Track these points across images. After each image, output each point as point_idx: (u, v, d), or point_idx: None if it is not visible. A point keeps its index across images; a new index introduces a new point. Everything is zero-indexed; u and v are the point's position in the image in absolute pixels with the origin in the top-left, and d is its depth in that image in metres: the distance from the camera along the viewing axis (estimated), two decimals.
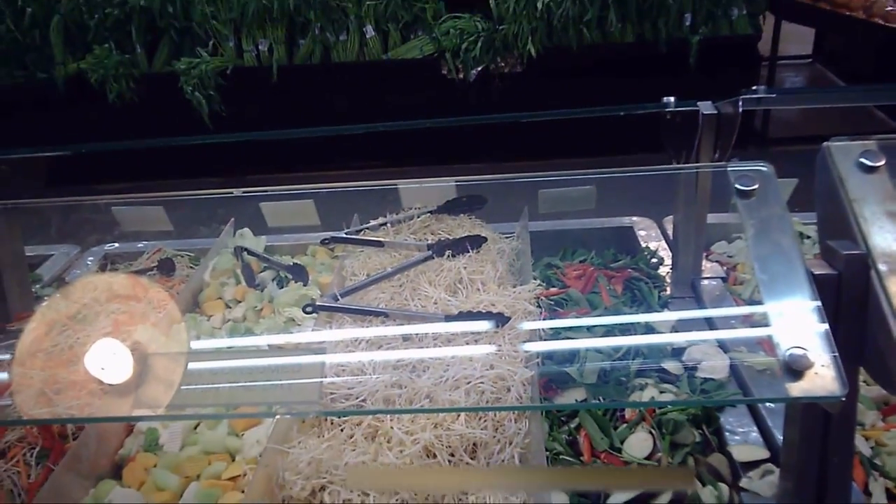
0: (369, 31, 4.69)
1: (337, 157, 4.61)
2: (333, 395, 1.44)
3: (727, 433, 1.39)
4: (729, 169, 1.24)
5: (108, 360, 1.41)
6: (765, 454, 1.34)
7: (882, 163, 1.20)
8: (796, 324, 1.04)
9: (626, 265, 1.91)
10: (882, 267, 1.07)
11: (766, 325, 1.06)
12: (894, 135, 1.36)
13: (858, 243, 1.11)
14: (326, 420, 1.45)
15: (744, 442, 1.37)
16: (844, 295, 1.09)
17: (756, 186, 1.21)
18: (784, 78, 5.59)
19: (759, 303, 1.12)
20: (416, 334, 1.59)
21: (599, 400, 1.48)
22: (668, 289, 1.83)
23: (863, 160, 1.20)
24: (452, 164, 4.34)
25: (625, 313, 1.70)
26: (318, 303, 1.70)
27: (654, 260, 1.95)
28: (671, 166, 1.69)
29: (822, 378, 0.99)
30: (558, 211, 1.97)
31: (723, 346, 1.56)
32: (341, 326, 1.64)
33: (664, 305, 1.75)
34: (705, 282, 1.82)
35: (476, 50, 4.55)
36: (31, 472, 1.43)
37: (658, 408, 1.43)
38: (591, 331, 1.62)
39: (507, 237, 2.00)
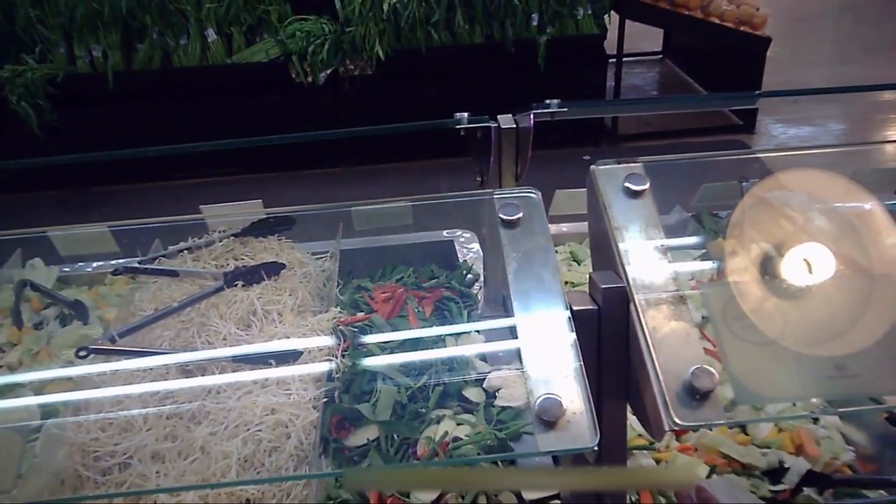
0: (211, 34, 4.48)
1: (183, 167, 4.42)
2: (97, 453, 1.31)
3: (521, 467, 1.33)
4: (494, 196, 1.18)
5: None
6: (553, 490, 1.28)
7: (646, 186, 1.16)
8: (551, 367, 0.98)
9: (440, 284, 1.83)
10: (640, 299, 1.03)
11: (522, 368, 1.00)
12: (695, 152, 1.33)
13: (620, 274, 1.07)
14: (89, 480, 1.30)
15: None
16: (605, 330, 1.04)
17: (520, 215, 1.15)
18: (635, 74, 5.71)
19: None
20: (198, 377, 1.47)
21: (394, 437, 1.39)
22: (480, 308, 1.76)
23: (627, 185, 1.16)
24: (293, 170, 4.22)
25: (429, 338, 1.62)
26: (94, 345, 1.54)
27: (470, 276, 1.88)
28: (447, 194, 1.62)
29: (575, 426, 0.93)
30: (375, 227, 1.89)
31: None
32: (116, 371, 1.50)
33: (472, 326, 1.68)
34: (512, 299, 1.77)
35: (323, 53, 4.42)
36: None
37: (453, 441, 1.36)
38: (388, 360, 1.53)
39: (320, 257, 1.90)
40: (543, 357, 1.01)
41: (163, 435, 1.32)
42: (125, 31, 4.49)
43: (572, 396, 0.95)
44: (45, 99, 4.34)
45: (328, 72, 4.47)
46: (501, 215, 1.16)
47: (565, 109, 1.59)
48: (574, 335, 1.01)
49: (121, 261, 1.92)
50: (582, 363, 0.98)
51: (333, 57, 4.45)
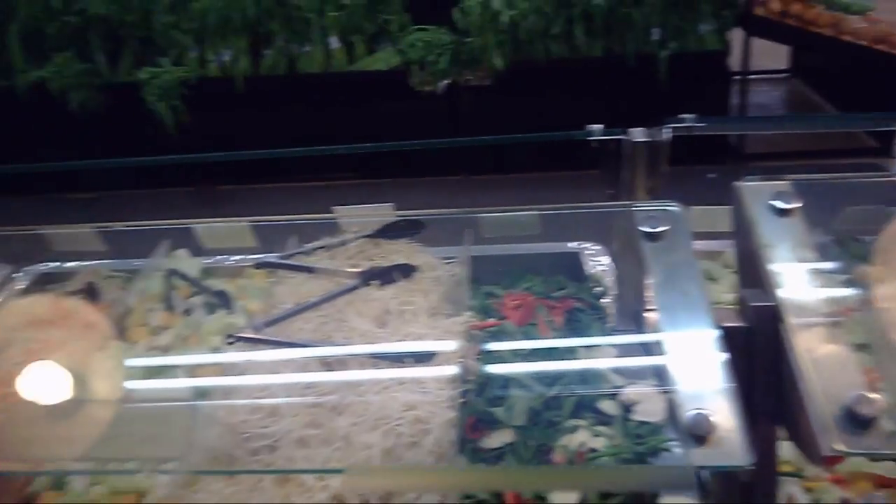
0: (334, 42, 4.63)
1: (306, 169, 4.56)
2: (247, 435, 1.39)
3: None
4: (634, 209, 1.20)
5: (23, 393, 1.36)
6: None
7: (796, 205, 1.16)
8: (700, 382, 0.99)
9: (570, 294, 1.85)
10: (792, 320, 1.03)
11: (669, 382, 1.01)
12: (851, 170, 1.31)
13: (769, 293, 1.07)
14: (239, 459, 1.38)
15: (677, 492, 1.31)
16: (756, 350, 1.04)
17: (663, 228, 1.16)
18: (761, 92, 5.54)
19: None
20: (338, 370, 1.54)
21: (526, 443, 1.42)
22: (611, 321, 1.77)
23: (775, 203, 1.15)
24: (414, 177, 4.30)
25: (561, 348, 1.64)
26: (240, 333, 1.64)
27: (600, 289, 1.89)
28: (578, 205, 1.63)
29: (728, 444, 0.94)
30: (503, 235, 1.93)
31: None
32: (261, 359, 1.58)
33: (606, 339, 1.69)
34: (650, 314, 1.77)
35: (442, 62, 4.50)
36: None
37: (589, 451, 1.38)
38: (522, 366, 1.56)
39: (449, 262, 1.95)
40: (691, 372, 1.02)
41: (308, 422, 1.39)
42: (253, 37, 4.69)
43: (723, 413, 0.95)
44: (179, 100, 4.57)
45: (447, 81, 4.55)
46: (643, 228, 1.17)
47: (703, 125, 1.58)
48: (724, 352, 1.01)
49: (258, 256, 2.03)
50: (733, 381, 0.98)
51: (452, 67, 4.53)
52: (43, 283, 2.11)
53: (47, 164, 2.14)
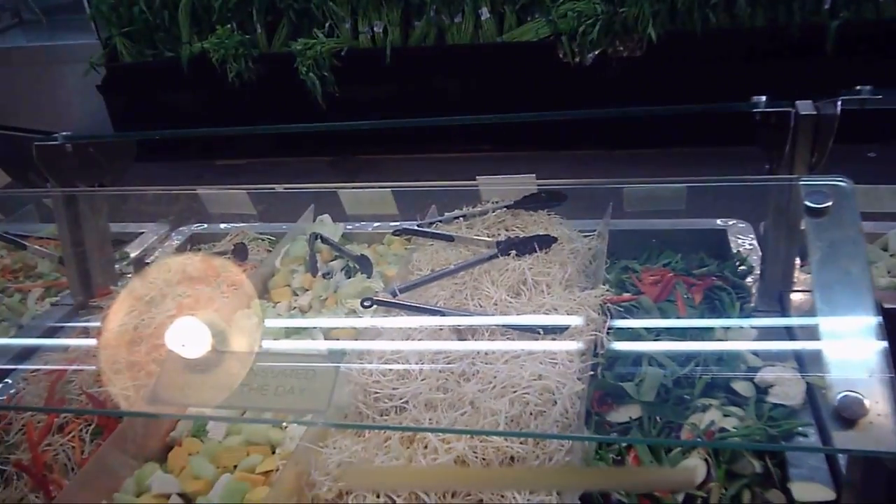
0: (484, 13, 4.61)
1: (446, 140, 4.59)
2: (377, 395, 1.41)
3: (792, 467, 1.26)
4: (801, 183, 1.12)
5: (174, 344, 1.44)
6: (829, 495, 1.19)
7: None
8: (855, 364, 0.92)
9: (711, 272, 1.77)
10: None
11: (822, 361, 0.95)
12: None
13: None
14: (368, 418, 1.41)
15: (809, 479, 1.23)
16: None
17: (829, 204, 1.08)
18: None
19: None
20: (469, 337, 1.54)
21: (656, 419, 1.38)
22: (754, 301, 1.69)
23: None
24: (553, 150, 4.23)
25: (698, 326, 1.57)
26: (377, 297, 1.67)
27: (744, 268, 1.80)
28: (735, 178, 1.54)
29: (878, 429, 0.87)
30: (645, 210, 1.86)
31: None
32: (396, 323, 1.61)
33: (745, 320, 1.61)
34: (795, 296, 1.67)
35: (594, 33, 4.39)
36: (85, 449, 1.47)
37: (719, 431, 1.32)
38: (655, 343, 1.51)
39: (587, 235, 1.91)
40: (846, 353, 0.95)
41: (436, 386, 1.40)
42: (405, 8, 4.74)
43: (877, 397, 0.88)
44: (329, 71, 4.69)
45: (596, 52, 4.44)
46: (808, 202, 1.09)
47: (879, 97, 1.46)
48: (884, 335, 0.93)
49: (398, 223, 2.06)
50: (891, 365, 0.90)
51: (604, 37, 4.40)
52: (195, 243, 2.24)
53: (199, 129, 2.26)
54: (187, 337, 1.45)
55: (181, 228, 2.30)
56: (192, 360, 1.38)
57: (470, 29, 4.67)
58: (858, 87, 1.46)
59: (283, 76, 4.69)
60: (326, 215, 2.20)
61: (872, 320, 0.95)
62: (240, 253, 2.06)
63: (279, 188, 2.02)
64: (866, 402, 0.87)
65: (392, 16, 4.73)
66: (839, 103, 1.44)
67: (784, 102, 1.53)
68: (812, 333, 1.02)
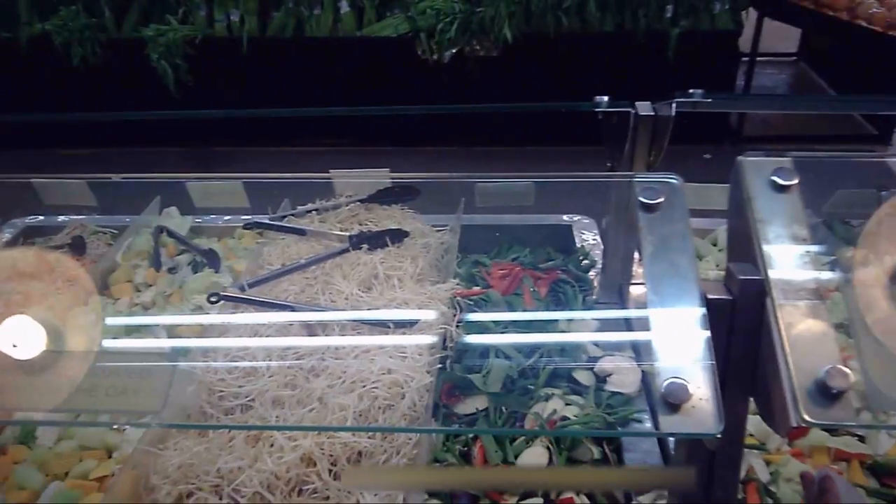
0: (344, 6, 4.58)
1: (304, 133, 4.53)
2: (222, 393, 1.37)
3: (627, 452, 1.32)
4: (635, 180, 1.17)
5: (2, 344, 1.34)
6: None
7: (794, 182, 1.13)
8: (680, 352, 0.97)
9: (557, 266, 1.83)
10: (777, 295, 1.00)
11: (652, 350, 0.99)
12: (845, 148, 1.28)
13: (758, 267, 1.04)
14: (213, 417, 1.37)
15: (642, 461, 1.30)
16: (738, 322, 1.02)
17: (661, 200, 1.13)
18: (766, 74, 5.49)
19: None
20: (320, 332, 1.52)
21: (502, 410, 1.41)
22: (595, 293, 1.76)
23: (775, 178, 1.12)
24: (411, 146, 4.26)
25: (543, 318, 1.62)
26: (224, 292, 1.62)
27: (587, 262, 1.87)
28: (578, 174, 1.60)
29: (699, 412, 0.92)
30: (496, 205, 1.90)
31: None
32: (244, 319, 1.57)
33: (586, 312, 1.67)
34: (634, 288, 1.75)
35: (452, 31, 4.44)
36: None
37: (561, 419, 1.36)
38: (502, 336, 1.55)
39: (440, 230, 1.93)
40: (674, 342, 1.00)
41: (283, 383, 1.38)
42: None
43: (699, 383, 0.94)
44: (182, 59, 4.52)
45: (454, 51, 4.50)
46: (641, 198, 1.14)
47: (709, 100, 1.55)
48: (707, 324, 0.99)
49: (249, 217, 2.01)
50: (713, 352, 0.96)
51: (461, 36, 4.47)
52: (29, 236, 2.10)
53: (42, 115, 2.11)
54: (17, 337, 1.36)
55: (13, 221, 2.15)
56: (23, 362, 1.29)
57: (329, 21, 4.63)
58: (691, 91, 1.55)
59: (133, 63, 4.48)
60: (173, 207, 2.12)
61: (698, 311, 1.01)
62: (77, 247, 1.94)
63: (118, 178, 1.92)
64: (690, 388, 0.93)
65: (249, 4, 4.62)
66: (674, 105, 1.52)
67: (624, 103, 1.60)
68: (644, 324, 1.07)
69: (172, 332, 1.62)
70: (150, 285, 1.80)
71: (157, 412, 1.21)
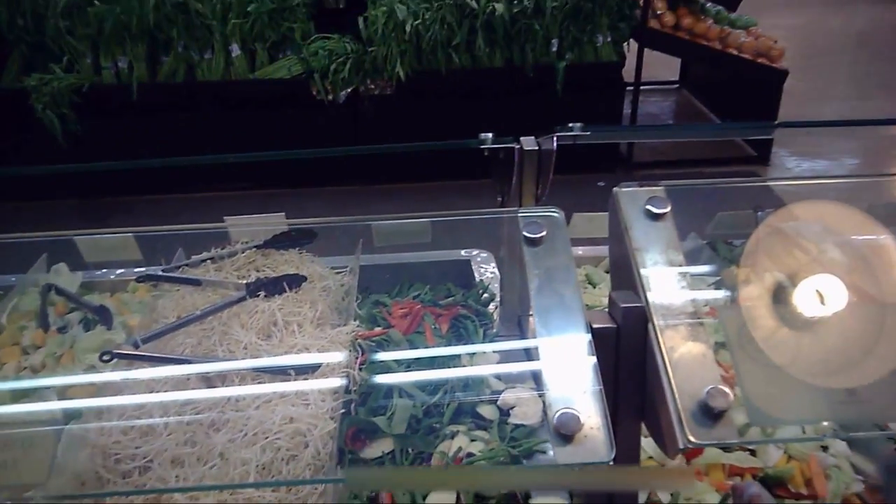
0: (235, 49, 4.55)
1: (202, 179, 4.46)
2: (118, 456, 1.33)
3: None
4: (519, 214, 1.21)
5: None
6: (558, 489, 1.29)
7: (667, 210, 1.19)
8: (570, 382, 1.00)
9: (457, 301, 1.85)
10: (658, 320, 1.05)
11: (543, 381, 1.02)
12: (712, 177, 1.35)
13: (639, 294, 1.09)
14: (109, 482, 1.33)
15: (549, 494, 1.33)
16: (624, 349, 1.07)
17: (543, 234, 1.18)
18: (651, 102, 5.74)
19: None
20: (220, 385, 1.49)
21: (408, 451, 1.42)
22: (496, 327, 1.79)
23: (649, 207, 1.18)
24: (309, 186, 4.26)
25: (445, 355, 1.64)
26: (117, 350, 1.57)
27: (486, 295, 1.91)
28: (469, 211, 1.64)
29: (592, 441, 0.96)
30: (394, 244, 1.92)
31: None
32: (137, 376, 1.53)
33: (487, 345, 1.70)
34: (532, 319, 1.79)
35: (345, 71, 4.48)
36: None
37: (466, 456, 1.38)
38: (406, 375, 1.55)
39: (339, 272, 1.93)
40: (563, 373, 1.03)
41: (183, 440, 1.35)
42: (151, 43, 4.57)
43: (590, 412, 0.97)
44: (69, 108, 4.40)
45: (349, 90, 4.53)
46: (525, 233, 1.18)
47: (588, 133, 1.61)
48: (594, 353, 1.03)
49: (143, 269, 1.96)
50: (600, 381, 1.00)
51: (355, 76, 4.51)
52: None
53: None
54: None
55: None
56: None
57: (221, 65, 4.59)
58: (571, 125, 1.61)
59: (17, 113, 4.32)
60: (62, 264, 2.04)
61: (584, 340, 1.04)
62: None
63: (7, 237, 1.85)
64: (581, 417, 0.96)
65: (137, 51, 4.54)
66: (555, 139, 1.58)
67: (509, 139, 1.65)
68: (537, 355, 1.10)
69: (63, 394, 1.56)
70: (39, 347, 1.74)
71: (41, 483, 1.16)
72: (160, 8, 4.40)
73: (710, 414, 0.94)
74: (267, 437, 1.32)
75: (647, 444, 1.30)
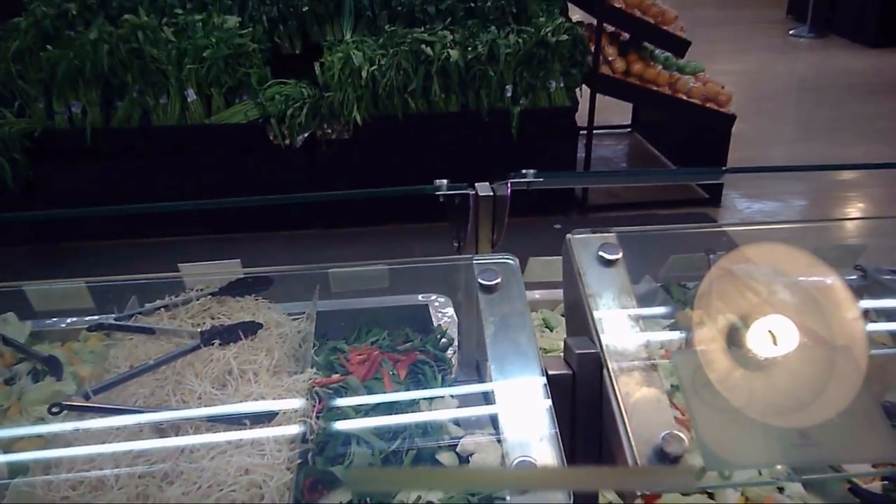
0: (191, 94, 4.54)
1: (157, 225, 4.41)
2: None
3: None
4: (474, 262, 1.22)
5: None
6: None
7: (619, 256, 1.21)
8: (527, 430, 1.01)
9: (415, 347, 1.85)
10: (613, 365, 1.06)
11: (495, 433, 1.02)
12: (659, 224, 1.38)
13: (594, 340, 1.10)
14: None
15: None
16: (579, 395, 1.07)
17: (498, 281, 1.19)
18: (605, 146, 5.86)
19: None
20: (172, 436, 1.47)
21: (366, 501, 1.40)
22: (454, 372, 1.79)
23: (601, 254, 1.20)
24: (266, 231, 4.25)
25: (403, 401, 1.63)
26: (67, 401, 1.54)
27: (444, 340, 1.91)
28: (425, 259, 1.65)
29: (549, 489, 0.95)
30: (352, 290, 1.92)
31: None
32: (89, 428, 1.49)
33: (445, 390, 1.69)
34: (488, 364, 1.79)
35: (302, 116, 4.50)
36: None
37: None
38: (363, 422, 1.54)
39: (296, 318, 1.91)
40: (519, 421, 1.04)
41: (134, 494, 1.32)
42: (105, 88, 4.54)
43: (547, 459, 0.97)
44: (21, 153, 4.34)
45: (306, 135, 4.54)
46: (480, 280, 1.19)
47: (541, 180, 1.64)
48: (549, 400, 1.04)
49: (96, 317, 1.93)
50: (556, 427, 1.00)
51: (311, 120, 4.53)
52: None
53: None
54: None
55: None
56: None
57: (177, 110, 4.58)
58: (524, 171, 1.64)
59: None
60: (10, 313, 2.00)
61: (539, 386, 1.05)
62: None
63: None
64: (537, 465, 0.96)
65: (91, 95, 4.51)
66: (509, 185, 1.60)
67: (464, 184, 1.68)
68: (494, 401, 1.11)
69: (9, 448, 1.52)
70: None
71: None
72: (114, 53, 4.39)
73: (666, 459, 0.95)
74: (222, 490, 1.30)
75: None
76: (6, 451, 1.51)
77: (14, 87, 4.45)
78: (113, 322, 1.84)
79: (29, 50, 4.41)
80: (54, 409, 1.53)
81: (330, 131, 4.60)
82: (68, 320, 2.04)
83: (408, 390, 1.66)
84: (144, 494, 1.32)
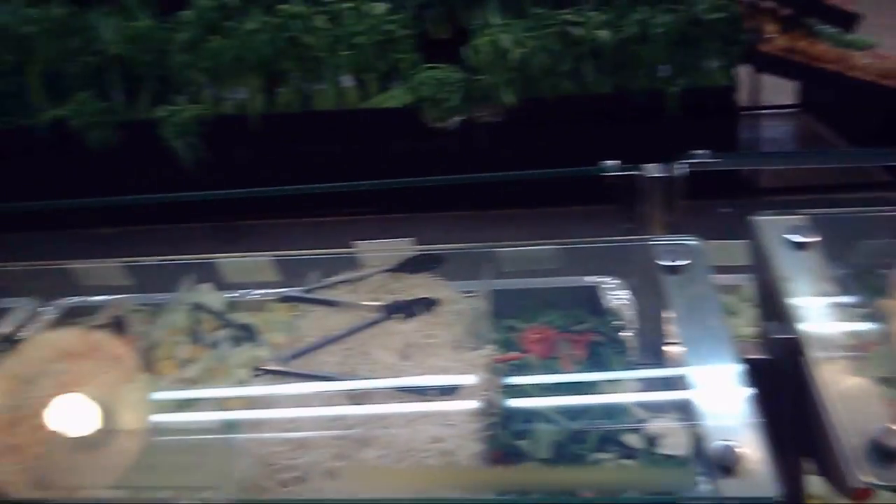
0: (346, 80, 4.71)
1: (324, 205, 4.60)
2: (275, 466, 1.41)
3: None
4: (651, 243, 1.22)
5: (57, 423, 1.39)
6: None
7: (813, 239, 1.18)
8: (725, 414, 1.01)
9: (590, 328, 1.87)
10: (814, 353, 1.05)
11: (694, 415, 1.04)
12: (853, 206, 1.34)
13: (790, 325, 1.09)
14: (269, 491, 1.40)
15: None
16: (778, 381, 1.07)
17: (682, 262, 1.19)
18: (771, 127, 5.59)
19: None
20: (363, 403, 1.56)
21: None
22: (632, 354, 1.79)
23: (792, 236, 1.18)
24: (427, 212, 4.34)
25: (584, 381, 1.66)
26: (267, 366, 1.67)
27: (619, 322, 1.91)
28: (597, 239, 1.66)
29: (754, 475, 0.95)
30: (522, 270, 1.97)
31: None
32: (288, 391, 1.61)
33: (628, 372, 1.70)
34: (672, 348, 1.78)
35: (454, 99, 4.57)
36: None
37: None
38: (546, 400, 1.58)
39: (469, 296, 1.97)
40: (717, 405, 1.04)
41: (335, 454, 1.41)
42: (267, 75, 4.78)
43: (750, 445, 0.97)
44: (196, 137, 4.64)
45: (458, 118, 4.61)
46: (661, 262, 1.20)
47: (718, 160, 1.62)
48: (749, 385, 1.04)
49: (281, 290, 2.06)
50: (759, 413, 1.00)
51: (463, 104, 4.59)
52: (70, 317, 2.15)
53: (71, 200, 2.19)
54: (71, 416, 1.41)
55: (54, 302, 2.21)
56: (79, 440, 1.34)
57: (333, 96, 4.76)
58: (699, 152, 1.62)
59: (148, 142, 4.58)
60: (207, 284, 2.17)
61: (737, 370, 1.05)
62: (119, 326, 2.00)
63: (153, 260, 2.00)
64: (740, 449, 0.96)
65: (254, 83, 4.75)
66: (682, 166, 1.59)
67: (631, 166, 1.68)
68: (687, 385, 1.12)
69: (220, 407, 1.66)
70: (193, 361, 1.85)
71: (219, 487, 1.24)
72: (273, 41, 4.61)
73: (884, 453, 0.92)
74: (415, 456, 1.38)
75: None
76: (219, 408, 1.65)
77: (185, 76, 4.76)
78: (302, 295, 1.97)
79: (195, 41, 4.70)
80: (256, 373, 1.66)
81: (482, 114, 4.65)
82: (257, 292, 2.18)
83: (587, 370, 1.69)
84: (344, 455, 1.41)
